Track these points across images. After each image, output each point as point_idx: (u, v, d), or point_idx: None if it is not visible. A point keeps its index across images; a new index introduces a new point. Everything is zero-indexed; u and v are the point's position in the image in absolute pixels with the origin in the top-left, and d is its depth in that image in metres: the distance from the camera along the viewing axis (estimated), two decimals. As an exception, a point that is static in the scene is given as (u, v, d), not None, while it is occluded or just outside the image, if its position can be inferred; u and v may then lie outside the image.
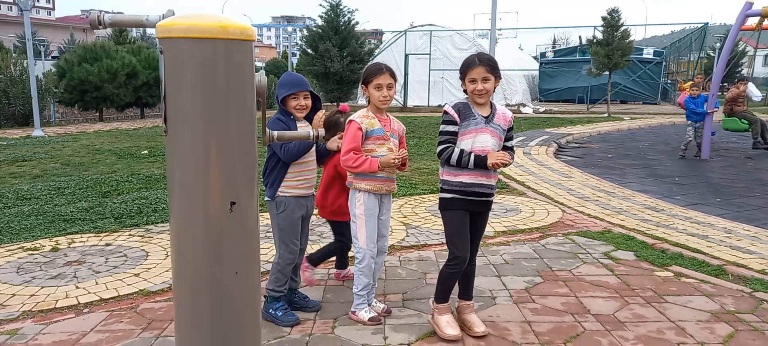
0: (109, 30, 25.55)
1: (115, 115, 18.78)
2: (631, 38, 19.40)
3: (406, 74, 22.70)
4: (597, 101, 22.32)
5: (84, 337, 3.04)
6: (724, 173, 8.64)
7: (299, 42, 21.29)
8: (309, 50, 19.63)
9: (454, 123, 2.91)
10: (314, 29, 19.67)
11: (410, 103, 22.81)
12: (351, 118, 3.18)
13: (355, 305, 3.28)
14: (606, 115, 19.15)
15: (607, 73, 19.45)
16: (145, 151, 10.01)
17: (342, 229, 3.64)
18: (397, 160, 3.11)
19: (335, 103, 20.28)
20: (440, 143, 2.94)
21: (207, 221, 1.04)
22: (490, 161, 2.84)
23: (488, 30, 16.45)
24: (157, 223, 5.33)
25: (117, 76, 16.87)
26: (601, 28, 19.41)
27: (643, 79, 24.84)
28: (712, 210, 6.09)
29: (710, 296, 3.60)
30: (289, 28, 31.82)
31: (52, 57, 26.65)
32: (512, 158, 2.96)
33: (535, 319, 3.27)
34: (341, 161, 3.16)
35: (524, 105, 23.01)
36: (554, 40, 54.28)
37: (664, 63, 26.37)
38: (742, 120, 10.91)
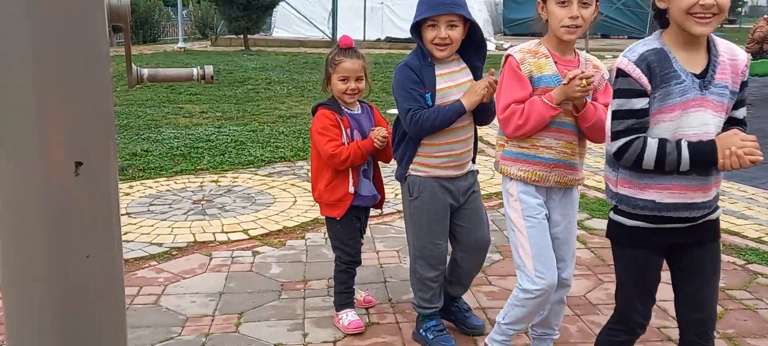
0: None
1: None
2: (616, -44, 19.94)
3: (335, -1, 22.39)
4: (574, 35, 22.88)
5: None
6: (719, 122, 9.13)
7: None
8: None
9: (641, 93, 1.97)
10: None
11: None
12: (509, 51, 2.51)
13: (488, 338, 2.72)
14: (584, 52, 19.69)
15: (586, -1, 19.92)
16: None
17: (332, 229, 3.10)
18: (581, 84, 2.29)
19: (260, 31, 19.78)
20: (617, 135, 2.01)
21: (43, 187, 0.99)
22: (724, 155, 1.89)
23: (439, -58, 16.40)
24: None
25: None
26: (579, -57, 19.78)
27: (628, 6, 25.63)
28: (705, 168, 6.44)
29: (698, 271, 3.84)
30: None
31: None
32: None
33: (490, 305, 3.38)
34: (499, 123, 2.50)
35: (486, 40, 23.28)
36: (523, -43, 54.79)
37: (654, -12, 27.28)
38: None
